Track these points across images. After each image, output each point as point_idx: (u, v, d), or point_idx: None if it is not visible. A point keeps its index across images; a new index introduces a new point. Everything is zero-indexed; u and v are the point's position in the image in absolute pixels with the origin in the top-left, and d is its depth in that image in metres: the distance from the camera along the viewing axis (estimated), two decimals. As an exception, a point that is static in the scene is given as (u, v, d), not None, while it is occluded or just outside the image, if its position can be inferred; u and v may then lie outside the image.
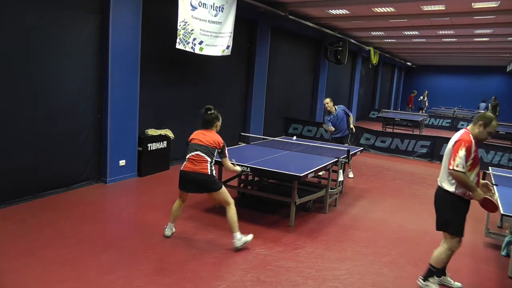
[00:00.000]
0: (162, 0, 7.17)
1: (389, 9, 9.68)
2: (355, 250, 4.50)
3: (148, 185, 6.53)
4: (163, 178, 6.99)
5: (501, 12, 8.99)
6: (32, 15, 5.18)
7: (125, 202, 5.82)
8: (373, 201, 6.51)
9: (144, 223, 4.88)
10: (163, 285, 3.47)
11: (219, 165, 4.73)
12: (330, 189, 5.71)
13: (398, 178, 8.22)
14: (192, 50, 6.98)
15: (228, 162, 4.41)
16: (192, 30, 6.83)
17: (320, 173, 5.89)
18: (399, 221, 5.57)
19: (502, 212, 3.95)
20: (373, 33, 13.79)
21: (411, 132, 12.67)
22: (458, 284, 3.84)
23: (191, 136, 4.33)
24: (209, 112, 4.30)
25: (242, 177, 6.05)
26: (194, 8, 6.79)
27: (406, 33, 13.23)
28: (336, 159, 5.73)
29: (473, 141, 3.43)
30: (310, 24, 11.42)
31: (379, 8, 9.66)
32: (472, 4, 8.48)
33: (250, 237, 4.28)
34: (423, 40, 14.78)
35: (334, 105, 7.60)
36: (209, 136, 4.24)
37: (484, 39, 13.45)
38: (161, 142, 7.29)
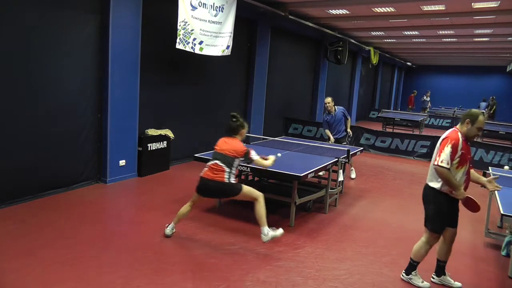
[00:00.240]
0: (162, 0, 7.17)
1: (389, 9, 9.68)
2: (355, 250, 4.50)
3: (148, 185, 6.53)
4: (163, 178, 6.99)
5: (501, 12, 8.99)
6: (32, 15, 5.18)
7: (125, 202, 5.82)
8: (373, 201, 6.51)
9: (144, 223, 4.88)
10: (163, 285, 3.47)
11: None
12: (330, 189, 5.72)
13: (398, 178, 8.22)
14: (192, 50, 6.98)
15: (262, 162, 4.34)
16: (192, 30, 6.83)
17: (320, 173, 5.89)
18: (399, 221, 5.57)
19: (502, 212, 3.95)
20: (373, 33, 13.79)
21: (411, 132, 12.67)
22: (458, 284, 3.84)
23: (216, 144, 4.32)
24: (233, 120, 4.28)
25: (242, 177, 6.05)
26: (194, 8, 6.79)
27: (406, 33, 13.23)
28: (336, 159, 5.73)
29: (460, 139, 3.47)
30: (310, 24, 11.42)
31: (379, 8, 9.65)
32: (472, 4, 8.48)
33: (279, 232, 4.21)
34: (423, 40, 14.77)
35: (334, 105, 7.60)
36: (230, 145, 4.21)
37: (484, 39, 13.45)
38: (161, 142, 7.29)
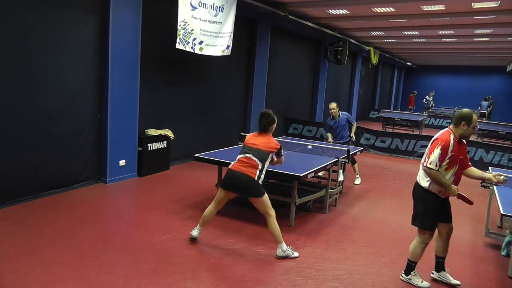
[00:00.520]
0: (162, 0, 7.17)
1: (389, 9, 9.67)
2: (355, 250, 4.50)
3: (148, 185, 6.53)
4: (163, 178, 6.99)
5: (501, 12, 8.99)
6: (32, 15, 5.18)
7: (125, 202, 5.82)
8: (373, 201, 6.51)
9: (144, 223, 4.88)
10: (163, 285, 3.47)
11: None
12: (330, 189, 5.71)
13: (398, 178, 8.22)
14: (192, 50, 6.98)
15: (281, 159, 4.33)
16: (192, 30, 6.83)
17: (320, 173, 5.89)
18: (399, 221, 5.57)
19: (502, 212, 3.95)
20: (373, 33, 13.78)
21: (411, 132, 12.67)
22: (456, 281, 3.87)
23: (245, 140, 4.28)
24: (265, 116, 4.20)
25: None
26: (194, 8, 6.79)
27: (406, 33, 13.23)
28: (336, 159, 5.73)
29: (451, 141, 3.46)
30: (310, 24, 11.42)
31: (379, 8, 9.65)
32: (472, 4, 8.48)
33: (295, 254, 4.15)
34: (423, 40, 14.77)
35: (339, 111, 7.55)
36: (265, 140, 4.15)
37: (484, 39, 13.45)
38: (161, 142, 7.29)
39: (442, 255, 3.85)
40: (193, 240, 4.36)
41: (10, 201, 5.12)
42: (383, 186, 7.52)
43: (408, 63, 26.17)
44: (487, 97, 19.91)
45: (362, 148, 7.25)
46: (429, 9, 9.25)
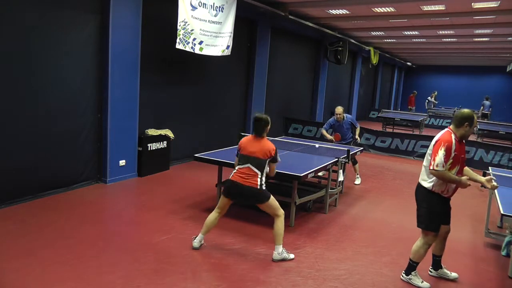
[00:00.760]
0: (162, 0, 7.17)
1: (389, 9, 9.67)
2: (355, 250, 4.50)
3: (148, 185, 6.53)
4: (163, 178, 6.99)
5: (501, 12, 8.99)
6: (32, 15, 5.18)
7: (125, 202, 5.82)
8: (373, 201, 6.51)
9: (144, 223, 4.88)
10: (163, 285, 3.47)
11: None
12: (330, 189, 5.71)
13: (398, 178, 8.22)
14: (192, 50, 6.98)
15: (274, 168, 4.23)
16: (192, 30, 6.83)
17: (320, 173, 5.88)
18: (399, 221, 5.57)
19: (502, 212, 3.95)
20: (373, 33, 13.78)
21: (411, 132, 12.67)
22: (454, 274, 3.93)
23: (240, 144, 4.20)
24: (257, 121, 4.15)
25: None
26: (194, 8, 6.79)
27: (406, 33, 13.23)
28: (336, 159, 5.73)
29: (453, 141, 3.49)
30: (310, 24, 11.42)
31: (379, 8, 9.65)
32: (472, 4, 8.48)
33: (291, 256, 4.14)
34: (423, 40, 14.77)
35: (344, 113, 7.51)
36: (261, 147, 4.07)
37: (484, 39, 13.45)
38: (161, 142, 7.29)
39: (439, 253, 3.92)
40: (196, 249, 4.22)
41: (10, 201, 5.12)
42: (383, 186, 7.52)
43: (408, 63, 26.17)
44: (488, 97, 19.91)
45: (362, 148, 7.25)
46: (429, 9, 9.25)
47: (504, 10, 8.79)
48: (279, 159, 4.22)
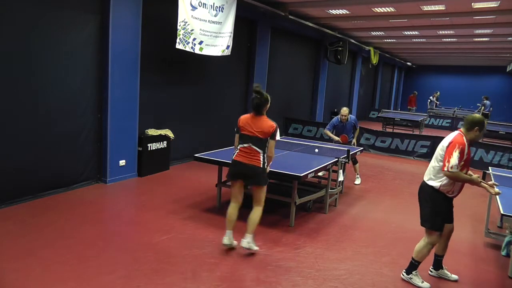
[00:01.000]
0: (162, 0, 7.17)
1: (389, 9, 9.68)
2: (355, 250, 4.50)
3: (148, 185, 6.53)
4: (163, 178, 6.99)
5: (501, 12, 8.99)
6: (32, 15, 5.18)
7: (125, 202, 5.82)
8: (373, 201, 6.51)
9: (144, 223, 4.88)
10: (163, 285, 3.47)
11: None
12: (330, 189, 5.71)
13: (398, 178, 8.22)
14: (192, 50, 6.98)
15: (273, 147, 4.12)
16: (192, 30, 6.83)
17: (320, 173, 5.88)
18: (399, 221, 5.57)
19: (502, 212, 3.95)
20: (373, 33, 13.79)
21: (411, 132, 12.67)
22: (454, 276, 3.94)
23: (240, 123, 4.16)
24: (258, 96, 4.08)
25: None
26: (194, 8, 6.79)
27: (406, 33, 13.23)
28: (336, 159, 5.73)
29: (466, 143, 3.54)
30: (310, 24, 11.42)
31: (379, 8, 9.65)
32: (472, 4, 8.48)
33: (256, 248, 4.19)
34: (423, 40, 14.77)
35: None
36: (261, 125, 4.04)
37: (484, 39, 13.45)
38: (161, 142, 7.29)
39: (441, 253, 3.91)
40: (228, 247, 4.17)
41: (10, 201, 5.12)
42: (383, 186, 7.52)
43: (408, 63, 26.17)
44: (487, 97, 19.89)
45: (362, 148, 7.25)
46: (429, 9, 9.25)
47: (504, 10, 8.80)
48: (277, 137, 4.15)
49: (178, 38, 6.63)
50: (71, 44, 5.71)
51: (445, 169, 3.48)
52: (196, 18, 6.87)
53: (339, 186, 6.07)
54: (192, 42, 6.92)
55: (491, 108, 19.03)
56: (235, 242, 4.21)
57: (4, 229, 4.39)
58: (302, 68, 13.28)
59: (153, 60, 7.21)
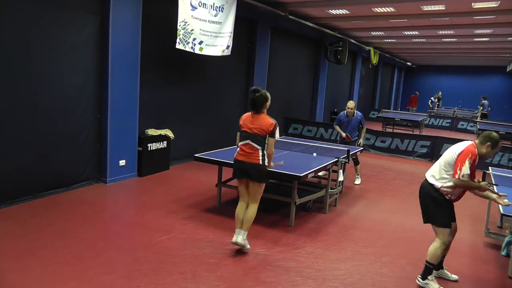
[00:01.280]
0: (162, 0, 7.17)
1: (389, 9, 9.67)
2: (355, 250, 4.50)
3: (148, 185, 6.53)
4: (163, 178, 6.99)
5: (501, 12, 8.99)
6: (32, 15, 5.18)
7: (125, 202, 5.82)
8: (373, 201, 6.51)
9: (144, 223, 4.88)
10: (163, 285, 3.47)
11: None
12: (330, 189, 5.71)
13: (398, 178, 8.22)
14: (192, 50, 6.98)
15: (272, 145, 4.14)
16: (192, 30, 6.83)
17: (321, 173, 5.88)
18: (399, 221, 5.57)
19: (502, 212, 3.95)
20: (373, 33, 13.78)
21: (411, 132, 12.67)
22: (454, 276, 3.94)
23: (240, 122, 4.20)
24: (257, 94, 4.08)
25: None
26: (194, 8, 6.79)
27: (406, 33, 13.23)
28: (336, 159, 5.73)
29: (478, 155, 3.56)
30: (310, 24, 11.42)
31: (379, 8, 9.65)
32: (472, 4, 8.48)
33: (249, 247, 4.21)
34: (423, 40, 14.77)
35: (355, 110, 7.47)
36: (260, 123, 4.06)
37: (484, 39, 13.45)
38: (161, 142, 7.29)
39: (443, 253, 3.89)
40: (237, 245, 4.14)
41: (10, 201, 5.12)
42: (383, 186, 7.52)
43: (408, 63, 26.17)
44: (485, 96, 19.90)
45: (362, 148, 7.25)
46: (429, 9, 9.25)
47: (504, 10, 8.79)
48: (277, 135, 4.15)
49: (178, 38, 6.63)
50: (71, 44, 5.71)
51: (456, 176, 3.50)
52: (196, 18, 6.87)
53: (339, 186, 6.07)
54: (192, 42, 6.92)
55: (489, 108, 19.05)
56: (246, 238, 4.22)
57: (4, 229, 4.39)
58: (302, 68, 13.28)
59: (153, 60, 7.21)
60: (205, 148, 7.05)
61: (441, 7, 9.04)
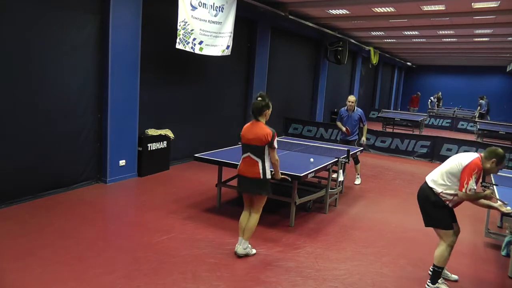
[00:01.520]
0: (162, 0, 7.17)
1: (389, 9, 9.67)
2: (355, 250, 4.50)
3: (148, 185, 6.53)
4: (163, 178, 6.99)
5: (501, 12, 8.99)
6: (32, 15, 5.18)
7: (125, 202, 5.82)
8: (373, 201, 6.51)
9: (144, 223, 4.88)
10: (163, 285, 3.47)
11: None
12: (330, 189, 5.71)
13: (398, 178, 8.22)
14: (192, 50, 6.98)
15: (275, 155, 4.03)
16: (192, 30, 6.83)
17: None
18: (399, 221, 5.57)
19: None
20: (373, 33, 13.79)
21: (411, 132, 12.67)
22: (454, 276, 3.94)
23: (242, 132, 4.13)
24: (259, 99, 4.01)
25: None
26: (194, 8, 6.79)
27: (406, 33, 13.23)
28: (336, 159, 5.73)
29: (483, 169, 3.54)
30: (310, 24, 11.42)
31: (379, 8, 9.65)
32: (472, 4, 8.48)
33: (253, 251, 4.19)
34: (423, 40, 14.77)
35: (355, 106, 7.44)
36: (256, 133, 3.96)
37: (484, 39, 13.45)
38: (161, 142, 7.29)
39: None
40: (239, 256, 4.11)
41: (10, 201, 5.12)
42: (383, 186, 7.52)
43: (408, 63, 26.18)
44: (483, 96, 19.90)
45: (362, 148, 7.25)
46: (429, 9, 9.25)
47: (504, 10, 8.79)
48: (275, 145, 4.01)
49: (178, 38, 6.63)
50: (71, 44, 5.71)
51: (463, 190, 3.47)
52: (196, 18, 6.87)
53: (339, 186, 6.07)
54: (192, 42, 6.92)
55: (486, 108, 19.07)
56: (245, 247, 4.19)
57: (4, 229, 4.39)
58: (302, 68, 13.28)
59: (153, 60, 7.21)
60: (205, 148, 7.05)
61: (441, 7, 9.05)
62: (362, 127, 7.43)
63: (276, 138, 4.04)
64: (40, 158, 5.49)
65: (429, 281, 3.74)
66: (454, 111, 21.03)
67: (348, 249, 4.51)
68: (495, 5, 8.44)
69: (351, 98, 7.39)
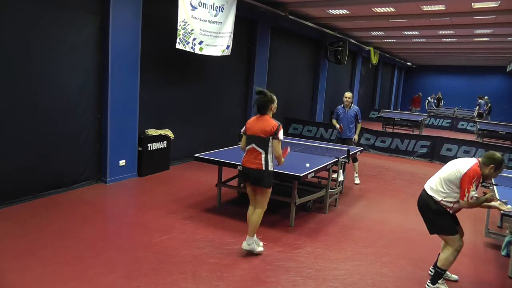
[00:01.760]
0: (162, 0, 7.17)
1: (389, 9, 9.68)
2: (355, 250, 4.50)
3: (148, 185, 6.53)
4: (163, 178, 6.99)
5: (501, 12, 8.99)
6: (32, 15, 5.18)
7: (125, 202, 5.82)
8: (373, 201, 6.51)
9: (144, 223, 4.88)
10: (163, 285, 3.47)
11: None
12: (330, 189, 5.71)
13: (398, 178, 8.22)
14: (192, 50, 6.98)
15: (278, 147, 4.04)
16: (192, 30, 6.84)
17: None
18: (399, 221, 5.57)
19: (502, 212, 3.94)
20: (373, 33, 13.79)
21: (411, 132, 12.67)
22: (455, 276, 3.94)
23: (246, 125, 4.17)
24: (261, 95, 4.07)
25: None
26: (194, 8, 6.80)
27: (406, 33, 13.23)
28: (336, 159, 5.73)
29: (482, 175, 3.51)
30: (310, 24, 11.42)
31: (379, 8, 9.66)
32: (472, 4, 8.48)
33: (259, 249, 4.18)
34: (423, 40, 14.78)
35: (352, 103, 7.45)
36: (262, 124, 4.02)
37: (484, 39, 13.45)
38: (161, 142, 7.29)
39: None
40: (248, 253, 4.13)
41: (10, 201, 5.12)
42: (383, 186, 7.52)
43: (408, 63, 26.18)
44: (482, 96, 19.91)
45: (362, 148, 7.25)
46: (429, 9, 9.25)
47: (504, 10, 8.80)
48: (281, 136, 4.03)
49: (178, 38, 6.63)
50: (71, 44, 5.71)
51: (465, 199, 3.45)
52: (196, 18, 6.87)
53: (339, 186, 6.07)
54: (192, 42, 6.92)
55: (485, 107, 19.07)
56: (260, 241, 4.23)
57: (4, 229, 4.39)
58: (302, 68, 13.28)
59: (153, 60, 7.21)
60: (205, 148, 7.04)
61: (441, 7, 9.05)
62: (357, 124, 7.47)
63: (282, 130, 4.07)
64: (40, 158, 5.50)
65: (429, 281, 3.73)
66: (454, 111, 21.04)
67: (348, 249, 4.51)
68: (495, 5, 8.44)
69: (348, 94, 7.47)
